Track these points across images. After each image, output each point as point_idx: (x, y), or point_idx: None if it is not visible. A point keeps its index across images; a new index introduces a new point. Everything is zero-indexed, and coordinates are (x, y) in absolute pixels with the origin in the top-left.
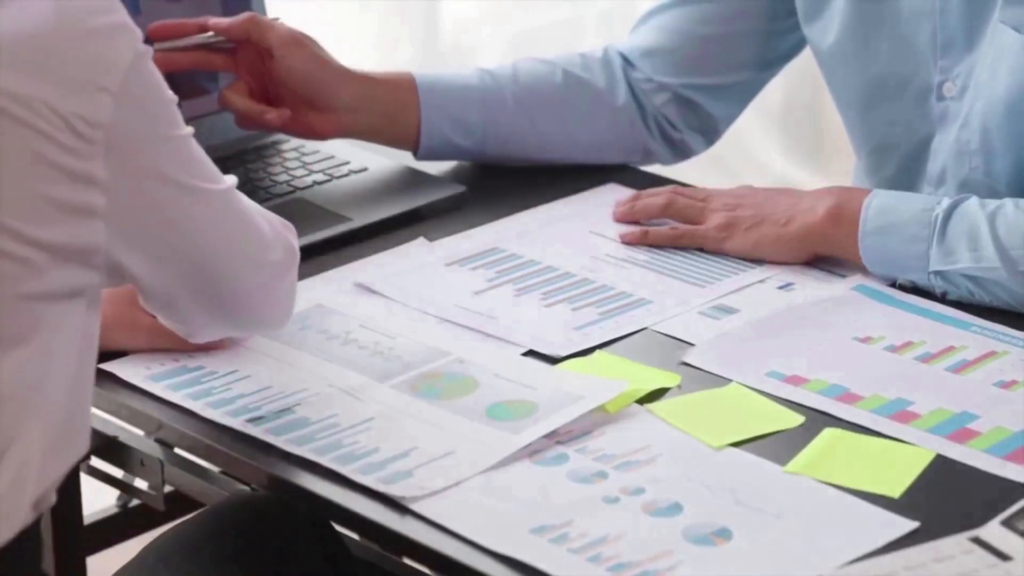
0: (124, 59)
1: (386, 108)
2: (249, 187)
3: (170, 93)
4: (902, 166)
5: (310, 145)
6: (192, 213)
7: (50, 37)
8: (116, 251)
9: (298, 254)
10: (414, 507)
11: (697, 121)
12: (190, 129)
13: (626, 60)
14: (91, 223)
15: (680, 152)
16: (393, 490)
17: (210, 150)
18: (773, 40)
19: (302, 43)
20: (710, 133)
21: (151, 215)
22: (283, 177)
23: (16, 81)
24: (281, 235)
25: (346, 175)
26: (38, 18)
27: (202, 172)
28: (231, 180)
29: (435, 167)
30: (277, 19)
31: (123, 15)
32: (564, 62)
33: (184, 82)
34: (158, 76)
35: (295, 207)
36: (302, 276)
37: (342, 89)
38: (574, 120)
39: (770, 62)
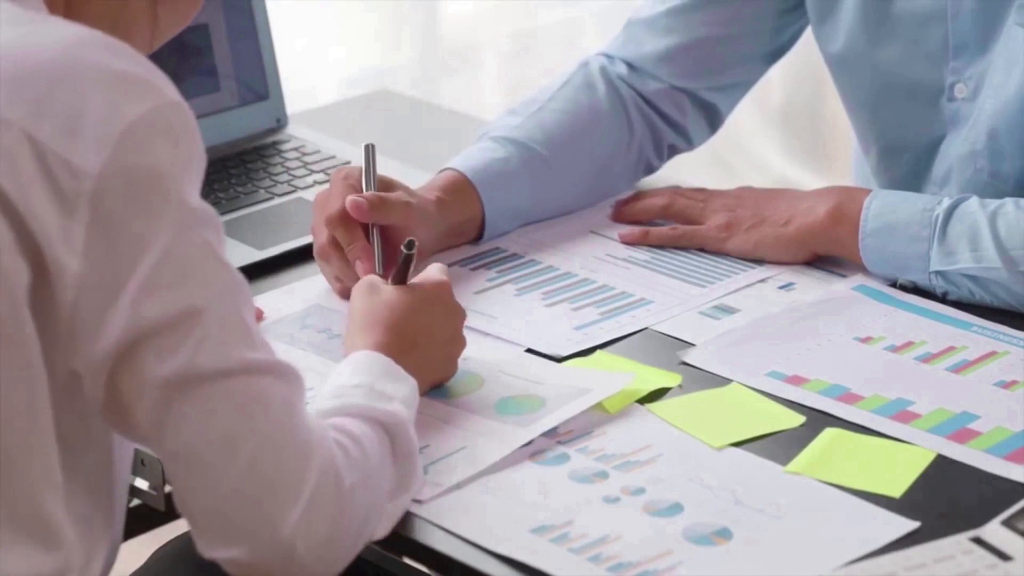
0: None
1: (460, 223)
2: (249, 187)
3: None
4: (912, 166)
5: (310, 145)
6: (186, 363)
7: (48, 71)
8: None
9: (347, 485)
10: (414, 508)
11: (706, 120)
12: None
13: (634, 68)
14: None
15: (679, 153)
16: None
17: (210, 151)
18: (782, 33)
19: (414, 208)
20: (715, 127)
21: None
22: (283, 177)
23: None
24: (326, 448)
25: None
26: (45, 45)
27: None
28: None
29: (434, 167)
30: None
31: (142, 69)
32: (578, 107)
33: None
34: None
35: (295, 207)
36: (301, 276)
37: (434, 227)
38: (600, 169)
39: (777, 52)
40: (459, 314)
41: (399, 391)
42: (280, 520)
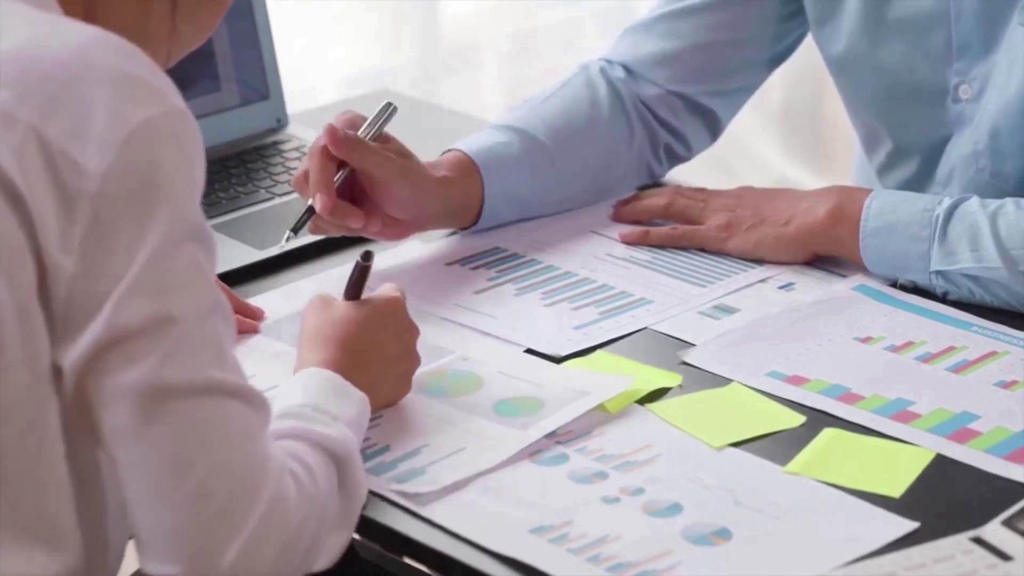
0: (132, 118)
1: (461, 203)
2: (250, 187)
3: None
4: (917, 167)
5: (311, 145)
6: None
7: (59, 71)
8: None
9: (295, 521)
10: (415, 507)
11: (705, 126)
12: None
13: (631, 72)
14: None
15: (679, 160)
16: (407, 488)
17: (210, 151)
18: (782, 39)
19: (398, 164)
20: (715, 134)
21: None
22: (284, 177)
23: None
24: (280, 480)
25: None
26: (58, 44)
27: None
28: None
29: None
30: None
31: (151, 75)
32: (579, 103)
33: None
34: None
35: (295, 207)
36: (301, 276)
37: (432, 201)
38: (601, 165)
39: (777, 59)
40: (412, 331)
41: (346, 409)
42: (221, 548)
